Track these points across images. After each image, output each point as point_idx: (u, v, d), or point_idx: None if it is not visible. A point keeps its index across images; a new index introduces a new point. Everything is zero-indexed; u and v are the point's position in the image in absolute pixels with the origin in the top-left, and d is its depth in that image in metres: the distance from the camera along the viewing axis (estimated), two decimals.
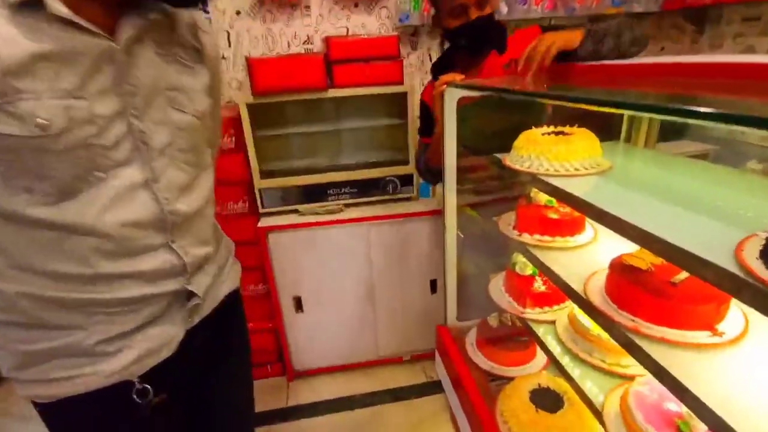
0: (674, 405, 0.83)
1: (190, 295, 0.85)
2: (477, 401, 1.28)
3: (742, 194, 0.86)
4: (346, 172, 1.91)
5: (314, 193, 1.93)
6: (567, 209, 1.20)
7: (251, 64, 1.70)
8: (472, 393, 1.31)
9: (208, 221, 0.92)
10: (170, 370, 0.85)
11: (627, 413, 0.88)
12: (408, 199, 2.03)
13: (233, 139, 1.81)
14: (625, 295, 0.84)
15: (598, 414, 0.93)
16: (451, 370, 1.50)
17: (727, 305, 0.76)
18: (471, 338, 1.52)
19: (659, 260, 0.86)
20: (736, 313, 0.78)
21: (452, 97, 1.23)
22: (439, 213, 1.93)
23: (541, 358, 1.40)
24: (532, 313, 1.25)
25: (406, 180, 1.97)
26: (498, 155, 1.28)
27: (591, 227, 1.19)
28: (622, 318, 0.82)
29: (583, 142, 1.04)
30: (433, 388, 2.13)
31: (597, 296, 0.91)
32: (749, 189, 0.88)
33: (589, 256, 1.09)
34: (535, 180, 1.13)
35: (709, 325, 0.76)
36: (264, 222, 1.94)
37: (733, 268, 0.58)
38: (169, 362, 0.85)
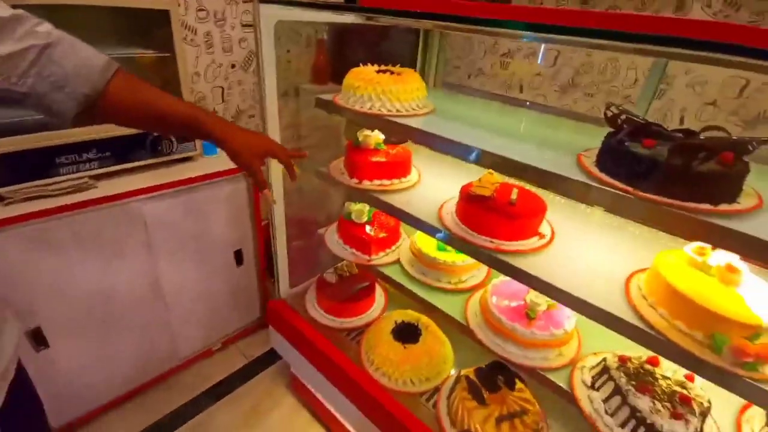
0: (517, 300, 1.03)
1: None
2: (337, 356, 1.23)
3: (542, 127, 1.09)
4: (89, 128, 1.26)
5: (34, 166, 1.19)
6: (395, 151, 1.23)
7: None
8: (328, 349, 1.25)
9: None
10: None
11: (486, 309, 1.03)
12: (189, 159, 1.58)
13: None
14: (480, 221, 0.95)
15: (459, 324, 1.06)
16: (295, 338, 1.38)
17: (544, 214, 0.97)
18: (311, 301, 1.42)
19: (495, 185, 1.00)
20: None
21: (269, 20, 0.97)
22: (235, 172, 1.62)
23: (380, 299, 1.46)
24: (377, 258, 1.26)
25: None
26: (323, 96, 1.14)
27: (414, 168, 1.27)
28: (484, 241, 0.93)
29: (416, 82, 1.05)
30: (257, 366, 1.92)
31: (453, 226, 0.98)
32: (544, 122, 1.12)
33: (424, 193, 1.16)
34: (368, 121, 1.08)
35: (537, 232, 0.96)
36: None
37: (581, 177, 0.73)
38: None
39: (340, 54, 2.02)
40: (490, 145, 0.86)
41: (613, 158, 0.73)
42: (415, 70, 1.25)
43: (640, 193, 0.67)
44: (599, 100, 1.96)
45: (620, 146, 0.72)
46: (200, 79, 1.81)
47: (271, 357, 1.94)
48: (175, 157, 1.53)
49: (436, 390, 1.15)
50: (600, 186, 0.71)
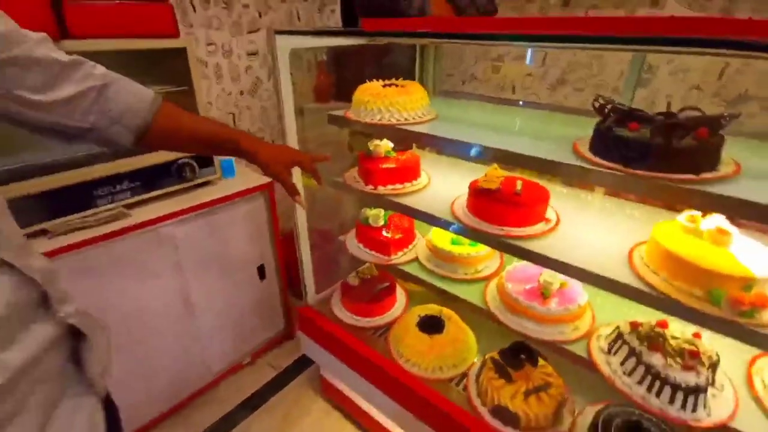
0: (532, 283, 1.12)
1: None
2: (369, 353, 1.31)
3: (537, 122, 1.18)
4: (120, 161, 1.37)
5: (74, 200, 1.30)
6: (404, 157, 1.33)
7: None
8: (360, 348, 1.33)
9: None
10: None
11: (503, 292, 1.12)
12: (210, 183, 1.69)
13: None
14: (490, 212, 1.04)
15: (480, 309, 1.14)
16: (326, 341, 1.46)
17: (548, 202, 1.06)
18: (337, 305, 1.51)
19: (501, 178, 1.09)
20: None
21: (284, 48, 1.08)
22: (253, 192, 1.72)
23: (401, 297, 1.55)
24: (396, 258, 1.35)
25: (205, 160, 1.61)
26: (335, 112, 1.25)
27: (423, 172, 1.36)
28: (495, 230, 1.02)
29: (419, 92, 1.16)
30: (286, 376, 2.00)
31: (466, 218, 1.08)
32: (539, 118, 1.22)
33: (435, 193, 1.25)
34: (379, 131, 1.18)
35: (544, 218, 1.05)
36: None
37: (578, 162, 0.83)
38: None
39: (340, 73, 2.15)
40: (493, 141, 0.96)
41: (604, 143, 0.83)
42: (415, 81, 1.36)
43: (631, 171, 0.76)
44: (588, 93, 2.06)
45: (609, 132, 0.81)
46: (212, 107, 1.93)
47: (299, 366, 2.01)
48: (198, 181, 1.63)
49: (464, 375, 1.22)
50: (595, 168, 0.80)
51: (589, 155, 0.84)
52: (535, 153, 0.88)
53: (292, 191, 0.91)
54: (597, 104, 0.89)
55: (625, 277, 0.85)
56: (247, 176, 1.80)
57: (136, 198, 1.46)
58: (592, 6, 1.93)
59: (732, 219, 0.84)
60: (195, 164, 1.58)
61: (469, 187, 1.10)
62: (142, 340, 1.56)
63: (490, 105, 1.46)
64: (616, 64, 1.95)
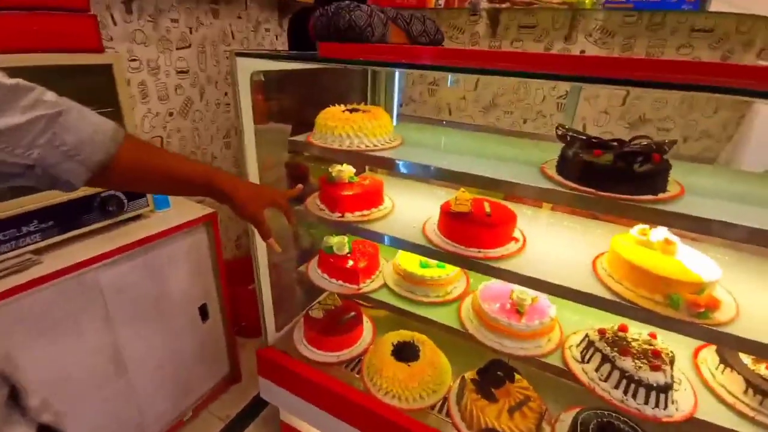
0: (504, 300, 1.15)
1: None
2: (343, 389, 1.23)
3: (496, 144, 1.24)
4: (25, 197, 1.11)
5: None
6: (367, 182, 1.30)
7: None
8: (332, 385, 1.25)
9: None
10: None
11: (480, 312, 1.14)
12: (141, 217, 1.47)
13: None
14: (465, 234, 1.06)
15: (456, 332, 1.15)
16: (292, 383, 1.34)
17: (516, 222, 1.11)
18: (300, 341, 1.40)
19: (469, 201, 1.12)
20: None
21: (245, 71, 1.00)
22: (194, 224, 1.55)
23: (368, 327, 1.49)
24: (365, 286, 1.31)
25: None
26: (297, 138, 1.18)
27: (387, 196, 1.35)
28: (473, 252, 1.04)
29: (385, 118, 1.15)
30: (235, 426, 1.79)
31: (441, 242, 1.08)
32: (495, 141, 1.28)
33: (402, 218, 1.25)
34: (343, 157, 1.14)
35: (513, 237, 1.10)
36: None
37: (550, 185, 0.88)
38: None
39: (279, 94, 2.05)
40: (466, 166, 0.98)
41: (573, 167, 0.89)
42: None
43: (604, 194, 0.83)
44: (517, 116, 2.26)
45: (577, 157, 0.88)
46: (136, 129, 1.71)
47: (250, 412, 1.83)
48: (128, 215, 1.42)
49: (444, 400, 1.21)
50: (570, 192, 0.86)
51: (559, 179, 0.90)
52: (510, 177, 0.92)
53: (267, 234, 0.83)
54: (560, 131, 0.96)
55: (593, 288, 0.92)
56: (183, 206, 1.61)
57: (49, 241, 1.22)
58: (516, 39, 2.13)
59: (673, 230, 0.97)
60: (122, 196, 1.37)
61: (441, 211, 1.11)
62: (62, 408, 1.28)
63: (443, 128, 1.51)
64: (538, 90, 2.16)
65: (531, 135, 2.15)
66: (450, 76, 2.42)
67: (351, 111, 1.15)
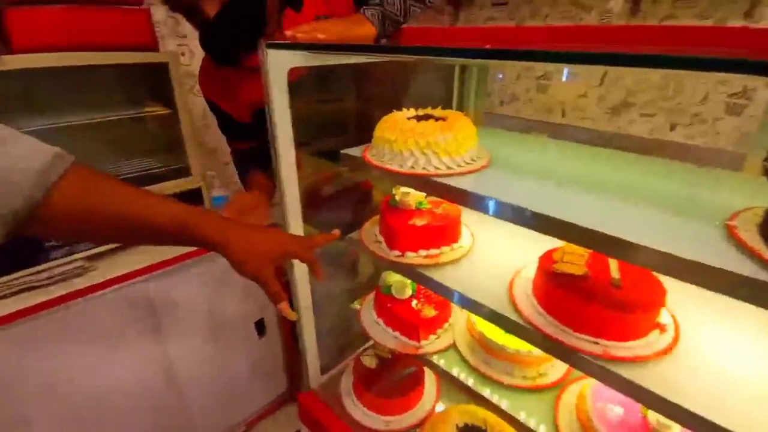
0: (633, 412, 0.76)
1: None
2: None
3: (635, 174, 0.82)
4: None
5: (18, 253, 1.02)
6: (440, 209, 1.00)
7: None
8: None
9: None
10: None
11: (585, 418, 0.77)
12: None
13: None
14: (574, 311, 0.70)
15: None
16: None
17: (665, 297, 0.70)
18: (348, 392, 1.17)
19: (584, 255, 0.75)
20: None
21: (280, 67, 0.77)
22: None
23: (430, 389, 1.19)
24: (428, 344, 1.01)
25: (192, 196, 1.33)
26: (349, 151, 0.93)
27: (465, 226, 1.03)
28: (585, 343, 0.67)
29: (467, 129, 0.83)
30: None
31: (537, 317, 0.73)
32: (638, 169, 0.85)
33: (482, 263, 0.92)
34: (402, 181, 0.86)
35: (657, 324, 0.69)
36: None
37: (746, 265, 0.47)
38: None
39: (335, 96, 1.81)
40: (590, 214, 0.61)
41: None
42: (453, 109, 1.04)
43: None
44: (661, 120, 1.69)
45: None
46: (209, 131, 1.65)
47: None
48: None
49: None
50: None
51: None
52: (666, 242, 0.53)
53: (277, 298, 0.60)
54: None
55: None
56: None
57: (99, 249, 1.18)
58: (668, 15, 1.58)
59: None
60: None
61: (539, 266, 0.76)
62: (112, 423, 1.27)
63: (552, 137, 1.11)
64: (700, 84, 1.58)
65: (682, 147, 1.58)
66: (566, 68, 1.94)
67: (420, 118, 0.86)
